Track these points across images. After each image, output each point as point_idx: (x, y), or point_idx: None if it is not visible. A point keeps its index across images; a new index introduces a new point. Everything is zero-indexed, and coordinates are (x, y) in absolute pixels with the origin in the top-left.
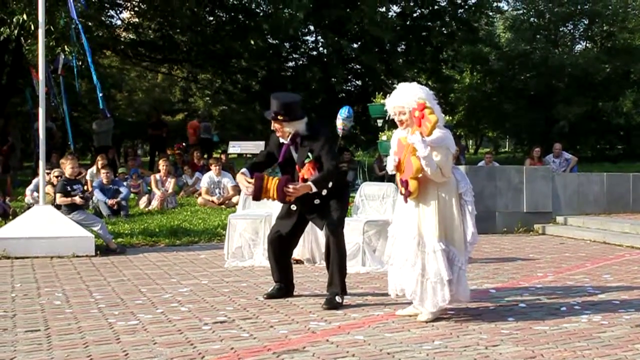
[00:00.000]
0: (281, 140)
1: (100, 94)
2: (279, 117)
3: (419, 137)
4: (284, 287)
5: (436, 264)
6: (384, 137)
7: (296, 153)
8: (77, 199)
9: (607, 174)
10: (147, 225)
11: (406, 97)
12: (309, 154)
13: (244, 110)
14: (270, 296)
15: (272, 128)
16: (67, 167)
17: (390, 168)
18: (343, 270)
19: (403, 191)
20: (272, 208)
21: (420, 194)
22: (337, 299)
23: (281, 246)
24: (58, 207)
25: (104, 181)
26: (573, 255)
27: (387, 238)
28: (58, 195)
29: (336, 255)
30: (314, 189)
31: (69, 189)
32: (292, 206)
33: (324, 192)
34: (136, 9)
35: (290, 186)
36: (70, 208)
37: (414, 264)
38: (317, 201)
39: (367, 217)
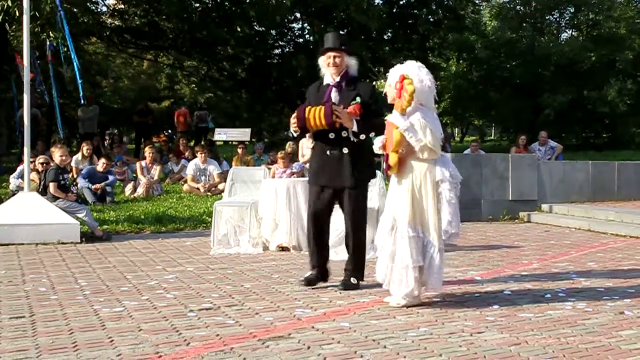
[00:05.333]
0: (326, 80)
1: (80, 81)
2: (342, 48)
3: (397, 113)
4: (321, 272)
5: (403, 250)
6: None
7: (339, 96)
8: (72, 196)
9: (592, 162)
10: (132, 212)
11: (392, 74)
12: (357, 97)
13: (230, 98)
14: (309, 282)
15: (329, 65)
16: (57, 155)
17: (376, 147)
18: (360, 256)
19: (384, 166)
20: (259, 195)
21: (398, 179)
22: (353, 280)
23: (321, 224)
24: (43, 193)
25: (99, 169)
26: (558, 242)
27: (375, 225)
28: (52, 184)
29: (353, 243)
30: (355, 127)
31: (60, 177)
32: (327, 152)
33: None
34: None
35: (338, 108)
36: (56, 195)
37: (386, 248)
38: (346, 150)
39: None
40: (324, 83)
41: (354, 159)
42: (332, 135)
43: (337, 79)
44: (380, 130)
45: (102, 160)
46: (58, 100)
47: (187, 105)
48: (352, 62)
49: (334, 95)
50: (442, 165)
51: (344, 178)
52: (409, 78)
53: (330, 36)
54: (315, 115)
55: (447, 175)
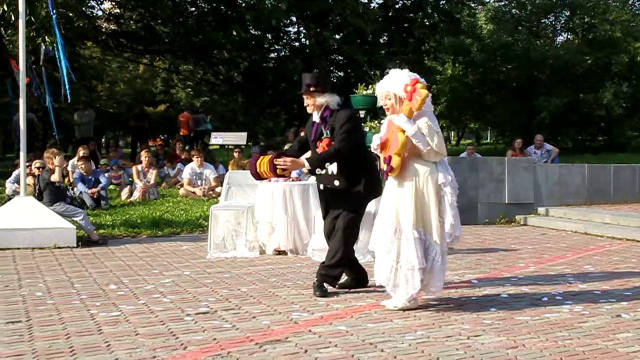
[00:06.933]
0: (313, 118)
1: (68, 85)
2: (311, 89)
3: (404, 117)
4: (356, 278)
5: (409, 251)
6: (366, 128)
7: (326, 130)
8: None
9: (588, 165)
10: (128, 217)
11: (392, 83)
12: (327, 131)
13: (226, 102)
14: (341, 286)
15: (305, 105)
16: (56, 160)
17: (374, 145)
18: (337, 264)
19: (385, 167)
20: (255, 199)
21: (400, 181)
22: (326, 285)
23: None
24: (39, 198)
25: (82, 172)
26: (554, 245)
27: (370, 228)
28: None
29: (335, 252)
30: (307, 167)
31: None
32: (320, 185)
33: (353, 181)
34: None
35: (281, 159)
36: (53, 199)
37: (390, 251)
38: (337, 182)
39: None
40: (313, 119)
41: (348, 187)
42: (320, 172)
43: (317, 117)
44: (331, 160)
45: (80, 163)
46: (52, 104)
47: (192, 110)
48: (325, 100)
49: (325, 132)
50: (443, 168)
51: (341, 205)
52: (421, 82)
53: (304, 77)
54: (264, 169)
55: (449, 179)
